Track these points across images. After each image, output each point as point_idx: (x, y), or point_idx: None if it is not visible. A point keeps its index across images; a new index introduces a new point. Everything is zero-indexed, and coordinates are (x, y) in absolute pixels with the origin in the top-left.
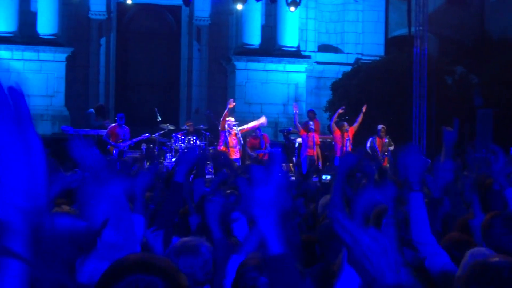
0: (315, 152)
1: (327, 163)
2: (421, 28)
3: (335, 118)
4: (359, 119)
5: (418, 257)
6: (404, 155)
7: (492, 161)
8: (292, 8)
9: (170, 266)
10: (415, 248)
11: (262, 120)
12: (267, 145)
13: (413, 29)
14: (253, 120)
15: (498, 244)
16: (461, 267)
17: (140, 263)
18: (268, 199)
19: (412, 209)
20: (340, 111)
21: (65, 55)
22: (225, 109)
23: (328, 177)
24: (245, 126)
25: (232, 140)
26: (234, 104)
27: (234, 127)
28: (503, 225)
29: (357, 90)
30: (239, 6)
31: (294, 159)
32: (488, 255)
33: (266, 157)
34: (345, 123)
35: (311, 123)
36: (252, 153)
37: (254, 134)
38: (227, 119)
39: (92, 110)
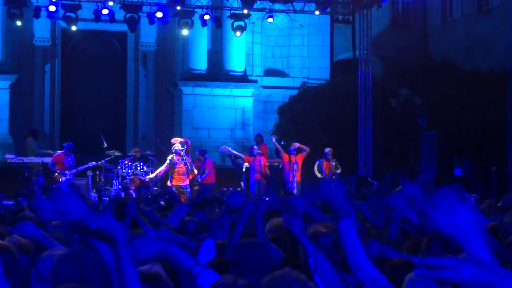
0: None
1: (276, 187)
2: (365, 51)
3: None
4: (305, 149)
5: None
6: (325, 186)
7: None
8: (238, 33)
9: None
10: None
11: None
12: (206, 170)
13: (357, 53)
14: (200, 145)
15: None
16: None
17: None
18: None
19: (343, 236)
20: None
21: (9, 82)
22: (172, 135)
23: None
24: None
25: (180, 168)
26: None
27: (181, 152)
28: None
29: (304, 113)
30: (185, 32)
31: (241, 183)
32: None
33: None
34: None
35: (255, 147)
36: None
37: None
38: (174, 146)
39: (31, 138)
